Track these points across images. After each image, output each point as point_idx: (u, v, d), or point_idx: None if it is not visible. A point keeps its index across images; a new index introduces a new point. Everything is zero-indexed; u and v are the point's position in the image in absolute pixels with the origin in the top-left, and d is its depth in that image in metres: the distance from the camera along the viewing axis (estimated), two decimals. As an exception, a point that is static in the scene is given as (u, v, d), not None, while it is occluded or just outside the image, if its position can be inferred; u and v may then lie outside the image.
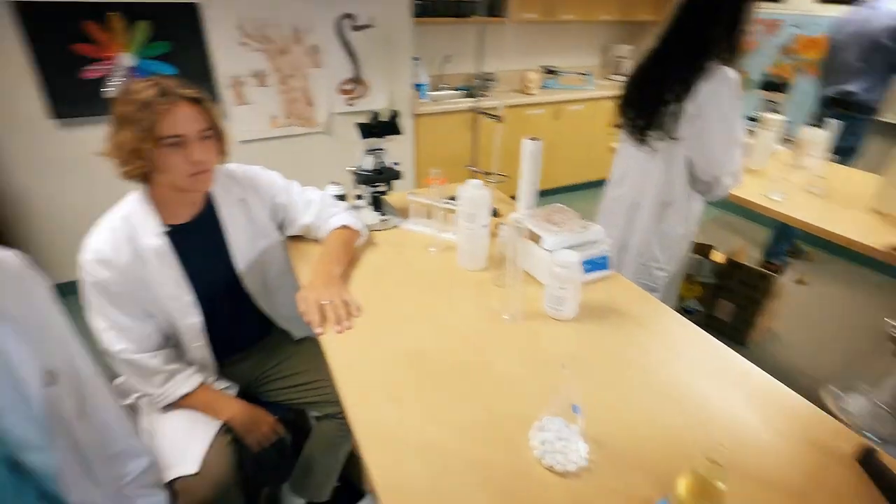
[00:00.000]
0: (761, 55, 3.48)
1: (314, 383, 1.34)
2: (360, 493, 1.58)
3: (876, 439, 1.01)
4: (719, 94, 1.35)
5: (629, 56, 4.05)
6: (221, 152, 1.13)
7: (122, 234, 1.05)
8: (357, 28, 2.70)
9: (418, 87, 3.16)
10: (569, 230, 1.16)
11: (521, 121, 3.35)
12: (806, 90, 3.08)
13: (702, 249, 2.31)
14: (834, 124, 1.98)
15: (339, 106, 2.84)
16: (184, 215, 1.13)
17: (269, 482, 1.50)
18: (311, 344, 1.45)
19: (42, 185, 2.32)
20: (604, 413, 0.81)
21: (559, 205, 1.27)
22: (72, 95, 2.24)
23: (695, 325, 1.05)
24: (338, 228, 1.29)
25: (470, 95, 3.41)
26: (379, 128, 1.34)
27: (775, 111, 2.37)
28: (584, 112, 3.66)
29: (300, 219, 1.31)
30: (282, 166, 1.37)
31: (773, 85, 2.72)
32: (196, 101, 1.05)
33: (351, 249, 1.29)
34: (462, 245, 1.23)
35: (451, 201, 1.32)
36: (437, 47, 3.40)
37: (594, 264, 1.14)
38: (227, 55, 2.48)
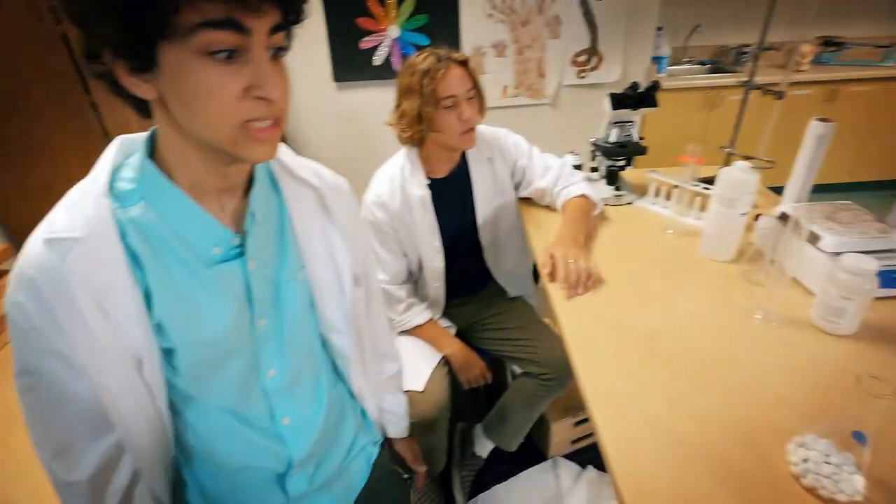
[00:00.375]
0: None
1: (521, 341, 1.41)
2: (542, 456, 1.63)
3: None
4: None
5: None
6: (482, 110, 1.23)
7: (398, 183, 1.25)
8: (603, -3, 2.59)
9: (658, 59, 2.92)
10: (860, 232, 0.96)
11: (776, 103, 2.83)
12: None
13: None
14: None
15: (570, 78, 2.80)
16: (444, 171, 1.28)
17: (467, 418, 1.65)
18: (523, 304, 1.52)
19: (320, 137, 2.87)
20: (887, 450, 0.68)
21: (847, 202, 1.06)
22: (350, 63, 2.67)
23: None
24: (577, 197, 1.30)
25: (716, 70, 3.02)
26: (634, 99, 1.29)
27: None
28: (870, 94, 2.92)
29: (536, 181, 1.36)
30: None
31: None
32: (463, 64, 1.17)
33: (590, 220, 1.29)
34: (711, 232, 1.12)
35: (703, 183, 1.21)
36: (687, 17, 3.06)
37: (890, 279, 0.93)
38: (474, 26, 2.64)
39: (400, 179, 1.25)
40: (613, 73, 2.77)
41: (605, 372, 0.86)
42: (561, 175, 1.34)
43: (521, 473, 1.57)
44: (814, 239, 0.98)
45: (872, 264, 0.83)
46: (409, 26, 2.62)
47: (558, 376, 1.32)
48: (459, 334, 1.45)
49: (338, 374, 0.80)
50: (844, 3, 3.14)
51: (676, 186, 1.28)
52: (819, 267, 0.96)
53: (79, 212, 0.51)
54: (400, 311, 1.36)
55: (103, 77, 0.49)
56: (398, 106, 1.20)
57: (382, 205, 1.24)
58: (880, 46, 3.00)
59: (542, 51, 2.71)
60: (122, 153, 0.57)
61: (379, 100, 2.77)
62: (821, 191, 1.17)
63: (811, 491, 0.64)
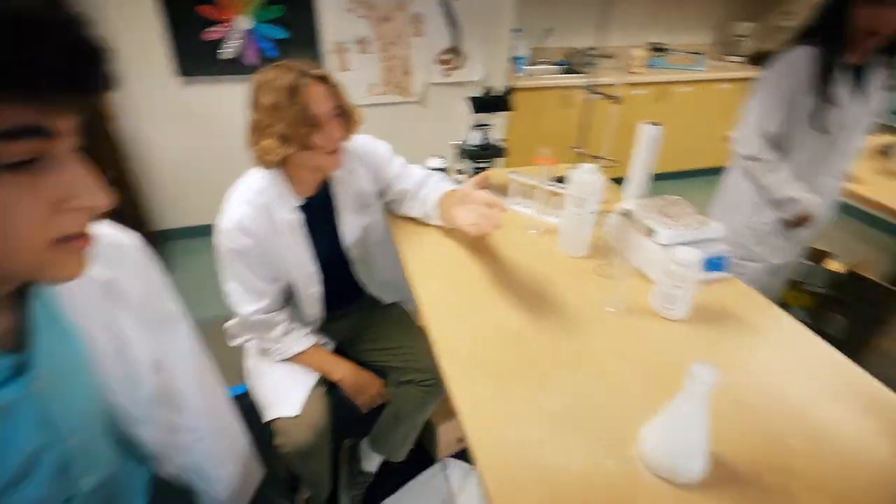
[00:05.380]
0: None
1: (400, 348, 1.38)
2: (432, 459, 1.63)
3: None
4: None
5: (749, 35, 3.67)
6: (351, 128, 1.15)
7: (259, 206, 1.11)
8: (461, -4, 2.65)
9: (516, 59, 3.07)
10: (685, 225, 1.08)
11: (623, 101, 3.16)
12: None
13: (816, 255, 2.09)
14: None
15: (436, 76, 2.83)
16: (310, 190, 1.18)
17: (351, 434, 1.59)
18: (398, 311, 1.49)
19: (164, 136, 2.54)
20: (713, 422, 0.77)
21: (675, 196, 1.19)
22: (194, 55, 2.40)
23: (818, 337, 0.95)
24: (449, 192, 1.29)
25: (569, 71, 3.26)
26: (490, 103, 1.32)
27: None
28: (692, 95, 3.39)
29: (398, 184, 1.33)
30: (376, 135, 1.37)
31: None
32: (323, 80, 1.08)
33: None
34: (565, 230, 1.19)
35: (558, 184, 1.27)
36: (540, 19, 3.26)
37: (712, 264, 1.06)
38: (334, 21, 2.54)
39: (260, 202, 1.11)
40: (476, 72, 2.85)
41: (472, 377, 0.86)
42: (426, 180, 1.32)
43: (409, 482, 1.55)
44: (649, 233, 1.08)
45: (697, 254, 0.93)
46: (263, 17, 2.43)
47: (439, 379, 1.31)
48: (338, 349, 1.38)
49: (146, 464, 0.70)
50: (665, 14, 3.61)
51: (535, 187, 1.33)
52: (656, 258, 1.06)
53: None
54: (276, 337, 1.23)
55: None
56: (257, 127, 1.06)
57: (245, 230, 1.10)
58: (692, 53, 3.49)
59: (407, 48, 2.69)
60: None
61: (228, 96, 2.53)
62: (655, 180, 1.30)
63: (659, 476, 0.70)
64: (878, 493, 0.69)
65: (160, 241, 2.74)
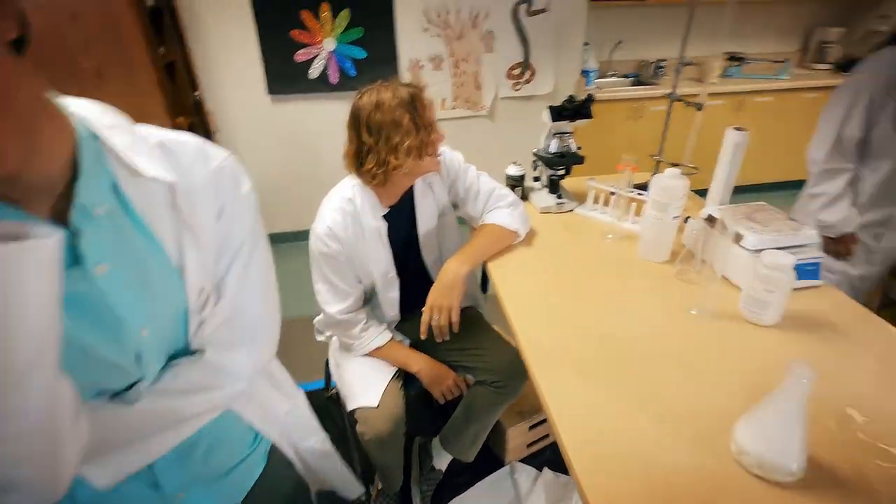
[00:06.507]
0: None
1: (473, 350, 1.42)
2: (501, 462, 1.65)
3: None
4: None
5: (838, 41, 3.45)
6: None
7: (349, 214, 1.21)
8: (532, 13, 2.71)
9: (586, 73, 3.08)
10: (776, 230, 1.06)
11: (696, 113, 3.07)
12: None
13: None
14: None
15: (505, 90, 2.90)
16: (396, 199, 1.27)
17: (424, 432, 1.64)
18: (473, 313, 1.54)
19: (255, 153, 2.77)
20: (811, 428, 0.75)
21: (762, 203, 1.16)
22: (285, 76, 2.61)
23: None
24: (492, 224, 1.31)
25: (638, 83, 3.23)
26: (571, 111, 1.35)
27: None
28: (772, 105, 3.23)
29: (467, 207, 1.38)
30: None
31: None
32: (422, 90, 1.16)
33: (498, 245, 1.32)
34: (646, 235, 1.19)
35: (637, 190, 1.28)
36: (610, 32, 3.26)
37: (805, 270, 1.03)
38: (410, 40, 2.67)
39: (350, 210, 1.22)
40: (546, 86, 2.89)
41: (560, 375, 0.88)
42: (489, 200, 1.36)
43: (478, 483, 1.58)
44: (737, 238, 1.07)
45: (789, 259, 0.91)
46: (345, 39, 2.61)
47: (511, 382, 1.33)
48: (414, 346, 1.44)
49: None
50: (746, 22, 3.48)
51: (613, 193, 1.35)
52: (743, 263, 1.04)
53: None
54: (357, 334, 1.32)
55: None
56: (367, 149, 1.12)
57: (335, 236, 1.21)
58: (776, 62, 3.34)
59: (478, 64, 2.78)
60: None
61: (315, 112, 2.72)
62: (734, 192, 1.28)
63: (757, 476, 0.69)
64: None
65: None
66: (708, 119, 2.92)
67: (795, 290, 1.04)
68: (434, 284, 1.24)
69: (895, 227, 1.45)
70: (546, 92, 2.89)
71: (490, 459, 1.65)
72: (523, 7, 2.69)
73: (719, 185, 1.23)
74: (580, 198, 1.49)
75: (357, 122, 1.12)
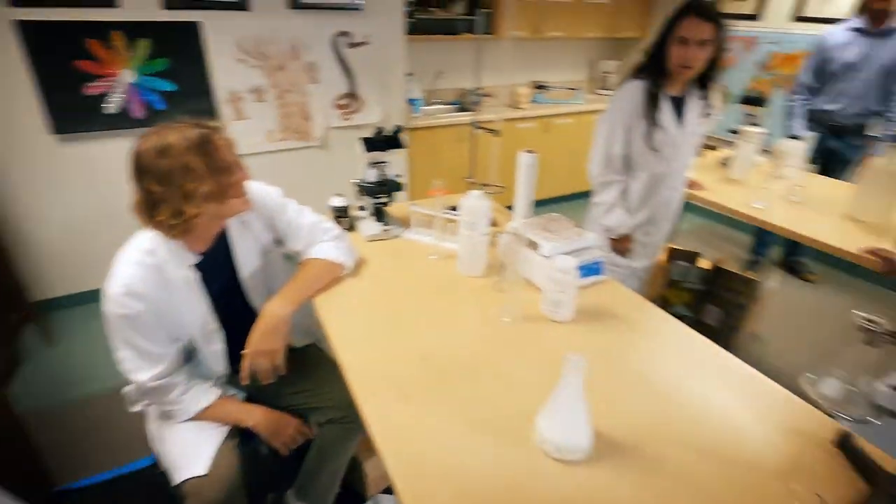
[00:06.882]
0: (741, 71, 3.62)
1: (316, 389, 1.37)
2: (362, 499, 1.60)
3: (849, 419, 1.08)
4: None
5: (615, 71, 4.18)
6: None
7: (150, 267, 1.07)
8: (352, 45, 2.77)
9: (412, 101, 3.24)
10: (564, 237, 1.22)
11: (513, 134, 3.43)
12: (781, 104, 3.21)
13: (689, 256, 2.39)
14: (811, 137, 2.10)
15: (335, 120, 2.90)
16: (206, 245, 1.16)
17: (274, 488, 1.52)
18: (314, 350, 1.48)
19: (41, 198, 2.34)
20: (602, 406, 0.87)
21: (554, 214, 1.33)
22: (73, 111, 2.27)
23: (682, 324, 1.11)
24: (315, 258, 1.30)
25: (462, 110, 3.50)
26: (382, 142, 1.40)
27: (755, 124, 2.48)
28: (572, 125, 3.77)
29: (290, 243, 1.34)
30: (278, 180, 1.37)
31: (753, 99, 2.84)
32: (215, 128, 1.09)
33: (324, 280, 1.30)
34: (462, 252, 1.28)
35: (452, 211, 1.38)
36: (430, 63, 3.49)
37: (589, 269, 1.20)
38: (225, 71, 2.53)
39: (151, 262, 1.07)
40: (374, 115, 2.97)
41: (383, 401, 0.90)
42: (312, 234, 1.34)
43: (340, 527, 1.51)
44: (535, 246, 1.20)
45: (573, 261, 1.06)
46: (146, 70, 2.36)
47: (358, 415, 1.31)
48: (250, 400, 1.33)
49: None
50: (543, 55, 4.03)
51: (432, 216, 1.43)
52: (542, 269, 1.18)
53: None
54: (176, 398, 1.17)
55: None
56: (157, 198, 1.00)
57: (136, 294, 1.04)
58: (571, 88, 3.91)
59: (304, 95, 2.75)
60: None
61: (119, 150, 2.40)
62: (546, 203, 1.45)
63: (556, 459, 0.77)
64: (744, 457, 0.82)
65: (44, 309, 2.48)
66: (521, 141, 3.26)
67: (584, 287, 1.21)
68: (252, 329, 1.16)
69: (657, 224, 1.78)
70: (375, 121, 2.96)
71: (351, 498, 1.59)
72: (342, 39, 2.74)
73: (521, 201, 1.38)
74: (407, 223, 1.54)
75: (140, 171, 0.99)
